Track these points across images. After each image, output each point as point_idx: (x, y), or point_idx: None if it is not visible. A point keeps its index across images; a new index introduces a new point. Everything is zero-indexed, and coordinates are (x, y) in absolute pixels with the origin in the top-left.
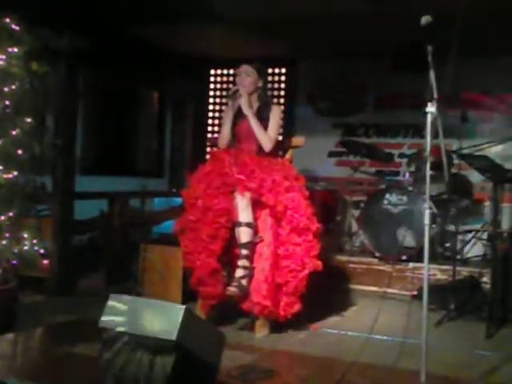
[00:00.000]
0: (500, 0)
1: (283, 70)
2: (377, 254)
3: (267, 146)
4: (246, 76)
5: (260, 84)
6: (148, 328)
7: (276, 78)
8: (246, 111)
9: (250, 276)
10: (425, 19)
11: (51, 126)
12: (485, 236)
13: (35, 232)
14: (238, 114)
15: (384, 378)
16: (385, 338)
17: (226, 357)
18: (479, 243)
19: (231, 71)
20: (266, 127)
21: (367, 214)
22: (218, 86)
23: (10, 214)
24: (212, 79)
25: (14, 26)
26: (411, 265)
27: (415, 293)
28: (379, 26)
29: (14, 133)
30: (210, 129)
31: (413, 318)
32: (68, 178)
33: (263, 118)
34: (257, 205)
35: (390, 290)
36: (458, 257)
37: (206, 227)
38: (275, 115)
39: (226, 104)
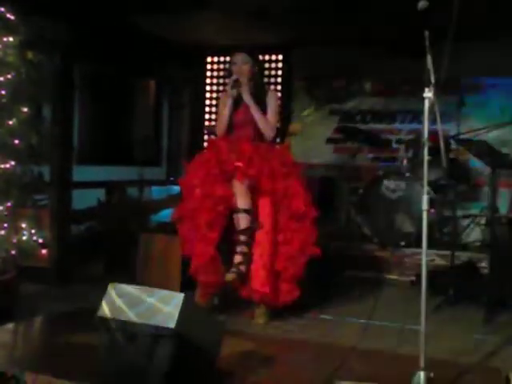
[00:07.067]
0: None
1: (280, 57)
2: (375, 240)
3: (270, 134)
4: (243, 64)
5: (255, 70)
6: (147, 316)
7: (273, 65)
8: (249, 101)
9: (248, 262)
10: (422, 4)
11: (48, 115)
12: (483, 221)
13: (33, 222)
14: (236, 102)
15: (383, 363)
16: (384, 323)
17: (226, 344)
18: (478, 228)
19: (227, 59)
20: (264, 113)
21: (365, 200)
22: (215, 73)
23: (8, 204)
24: (208, 67)
25: (9, 16)
26: (410, 250)
27: (414, 278)
28: (376, 11)
29: (10, 122)
30: (207, 117)
31: (411, 304)
32: (65, 168)
33: (260, 104)
34: (255, 192)
35: (388, 276)
36: (457, 242)
37: (204, 215)
38: (272, 101)
39: (223, 91)
